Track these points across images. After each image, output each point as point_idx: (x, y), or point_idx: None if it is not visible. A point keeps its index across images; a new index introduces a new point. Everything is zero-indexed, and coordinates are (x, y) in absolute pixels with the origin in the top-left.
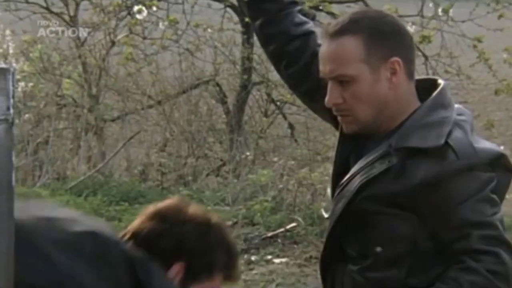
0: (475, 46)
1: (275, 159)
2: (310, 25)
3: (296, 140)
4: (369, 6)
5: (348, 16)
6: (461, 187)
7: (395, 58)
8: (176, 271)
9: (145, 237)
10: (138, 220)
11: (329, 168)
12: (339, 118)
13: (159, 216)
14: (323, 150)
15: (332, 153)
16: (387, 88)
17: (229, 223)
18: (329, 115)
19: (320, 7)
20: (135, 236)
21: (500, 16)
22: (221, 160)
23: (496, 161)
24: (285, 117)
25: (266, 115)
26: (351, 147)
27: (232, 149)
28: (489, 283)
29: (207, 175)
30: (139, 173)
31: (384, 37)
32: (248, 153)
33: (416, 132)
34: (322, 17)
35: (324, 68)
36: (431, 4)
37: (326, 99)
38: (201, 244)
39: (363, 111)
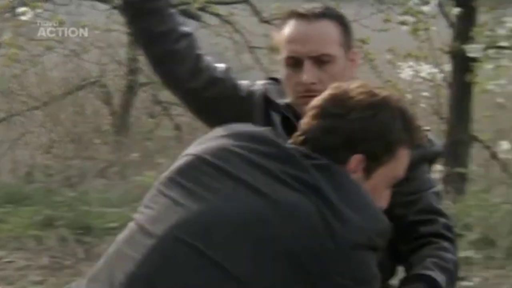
0: (360, 47)
1: (162, 160)
2: (189, 28)
3: (182, 141)
4: (254, 6)
5: (319, 5)
6: (426, 175)
7: (355, 50)
8: (355, 164)
9: (315, 138)
10: (305, 121)
11: None
12: (302, 100)
13: (322, 113)
14: None
15: None
16: (350, 76)
17: (115, 225)
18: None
19: (206, 8)
20: (307, 140)
21: (386, 20)
22: (107, 161)
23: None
24: (171, 118)
25: (152, 116)
26: None
27: (117, 151)
28: (457, 266)
29: (93, 176)
30: (25, 175)
31: (349, 29)
32: (134, 155)
33: None
34: (207, 18)
35: (302, 47)
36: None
37: (304, 77)
38: (372, 129)
39: None
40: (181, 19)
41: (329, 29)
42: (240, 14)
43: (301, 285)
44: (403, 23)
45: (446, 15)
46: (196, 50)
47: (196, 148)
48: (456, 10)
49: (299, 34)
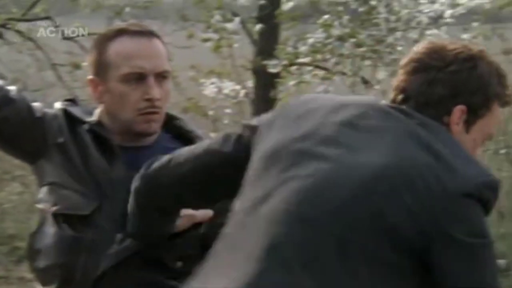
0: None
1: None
2: None
3: None
4: (58, 24)
5: (141, 24)
6: None
7: None
8: (458, 115)
9: (419, 93)
10: (400, 78)
11: (17, 187)
12: (145, 117)
13: (422, 67)
14: (12, 169)
15: (19, 172)
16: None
17: None
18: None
19: (8, 25)
20: (408, 97)
21: (189, 36)
22: None
23: None
24: None
25: None
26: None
27: None
28: None
29: None
30: None
31: None
32: None
33: None
34: (9, 35)
35: (147, 63)
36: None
37: (154, 92)
38: (473, 80)
39: (164, 110)
40: None
41: (162, 46)
42: (42, 31)
43: (419, 243)
44: (206, 40)
45: (248, 32)
46: None
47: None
48: (258, 27)
49: (143, 50)
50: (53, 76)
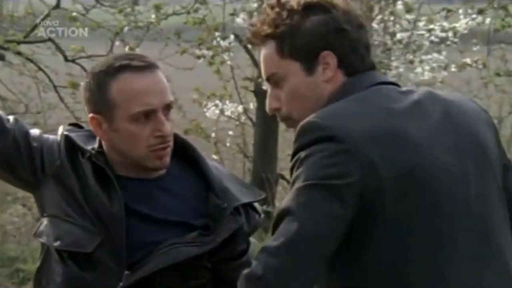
0: None
1: None
2: None
3: None
4: (59, 46)
5: (141, 56)
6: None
7: None
8: None
9: None
10: None
11: (19, 209)
12: (157, 153)
13: None
14: (14, 190)
15: (21, 194)
16: None
17: None
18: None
19: (7, 47)
20: None
21: (183, 52)
22: None
23: None
24: None
25: None
26: None
27: None
28: None
29: None
30: None
31: None
32: None
33: None
34: (11, 56)
35: (156, 99)
36: (117, 43)
37: (164, 129)
38: None
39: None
40: None
41: (163, 77)
42: (43, 53)
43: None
44: (199, 57)
45: (250, 53)
46: None
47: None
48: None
49: (149, 86)
50: (55, 98)
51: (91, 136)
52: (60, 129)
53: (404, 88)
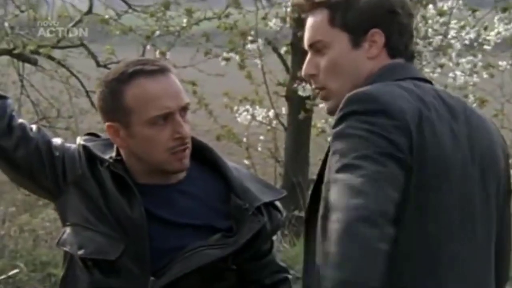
0: (195, 92)
1: None
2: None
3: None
4: (90, 50)
5: (153, 60)
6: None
7: None
8: None
9: None
10: None
11: (51, 213)
12: (177, 156)
13: None
14: None
15: None
16: None
17: None
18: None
19: (40, 51)
20: None
21: (206, 53)
22: None
23: None
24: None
25: None
26: None
27: None
28: None
29: None
30: None
31: None
32: None
33: None
34: (43, 61)
35: (173, 101)
36: (148, 47)
37: (183, 131)
38: None
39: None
40: None
41: (177, 80)
42: (75, 57)
43: None
44: (226, 59)
45: (281, 58)
46: (9, 111)
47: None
48: (284, 50)
49: (164, 89)
50: (86, 103)
51: (108, 145)
52: (78, 139)
53: (439, 89)
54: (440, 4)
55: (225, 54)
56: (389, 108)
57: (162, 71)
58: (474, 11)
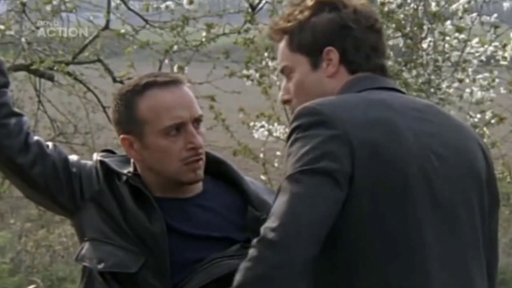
0: (211, 107)
1: (12, 220)
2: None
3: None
4: (107, 66)
5: (165, 73)
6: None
7: None
8: None
9: None
10: None
11: (68, 229)
12: (190, 166)
13: None
14: None
15: None
16: None
17: None
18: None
19: (56, 68)
20: None
21: (231, 75)
22: None
23: None
24: None
25: (3, 176)
26: None
27: None
28: None
29: None
30: None
31: None
32: None
33: None
34: (59, 77)
35: (186, 112)
36: (167, 61)
37: (196, 141)
38: None
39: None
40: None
41: (190, 91)
42: (92, 74)
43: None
44: (247, 76)
45: None
46: (26, 128)
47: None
48: None
49: (177, 100)
50: (103, 119)
51: (125, 161)
52: (95, 156)
53: (408, 96)
54: (457, 20)
55: (244, 71)
56: (328, 118)
57: (175, 82)
58: (496, 27)
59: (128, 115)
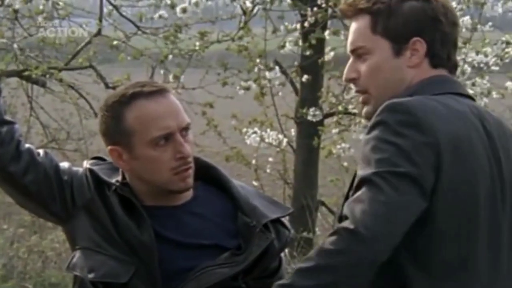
0: (204, 113)
1: (5, 226)
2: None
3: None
4: (100, 72)
5: (151, 82)
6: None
7: None
8: None
9: None
10: None
11: (60, 235)
12: (180, 176)
13: None
14: None
15: None
16: None
17: None
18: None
19: (49, 75)
20: None
21: (224, 83)
22: None
23: None
24: None
25: None
26: None
27: None
28: None
29: None
30: None
31: None
32: None
33: None
34: (52, 84)
35: (174, 121)
36: (162, 71)
37: (184, 151)
38: None
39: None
40: (3, 107)
41: (176, 100)
42: (84, 80)
43: None
44: (246, 88)
45: (291, 81)
46: (17, 136)
47: None
48: (305, 78)
49: (164, 109)
50: (96, 125)
51: (114, 169)
52: (84, 163)
53: (480, 107)
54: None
55: (242, 83)
56: (421, 122)
57: (161, 92)
58: (508, 43)
59: (116, 126)
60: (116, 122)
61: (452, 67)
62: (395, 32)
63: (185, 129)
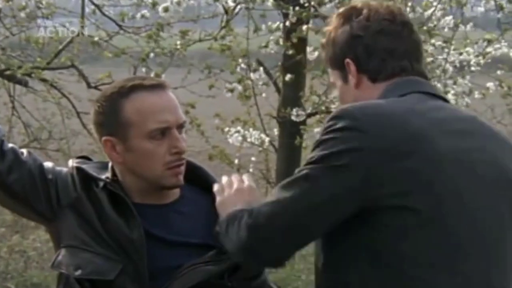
0: (187, 112)
1: None
2: None
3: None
4: (82, 71)
5: (151, 77)
6: None
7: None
8: None
9: None
10: None
11: (42, 235)
12: (173, 171)
13: None
14: None
15: None
16: None
17: None
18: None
19: (32, 74)
20: None
21: (211, 86)
22: None
23: None
24: None
25: None
26: None
27: None
28: None
29: None
30: None
31: None
32: None
33: None
34: (34, 83)
35: (172, 116)
36: (144, 69)
37: (180, 146)
38: None
39: None
40: None
41: (174, 97)
42: (67, 79)
43: None
44: (230, 90)
45: (273, 81)
46: (0, 136)
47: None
48: (288, 77)
49: (164, 104)
50: (78, 124)
51: (102, 167)
52: (70, 162)
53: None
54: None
55: (227, 85)
56: (363, 124)
57: (161, 86)
58: (489, 41)
59: (113, 117)
60: (113, 113)
61: (398, 73)
62: (335, 61)
63: (181, 126)
